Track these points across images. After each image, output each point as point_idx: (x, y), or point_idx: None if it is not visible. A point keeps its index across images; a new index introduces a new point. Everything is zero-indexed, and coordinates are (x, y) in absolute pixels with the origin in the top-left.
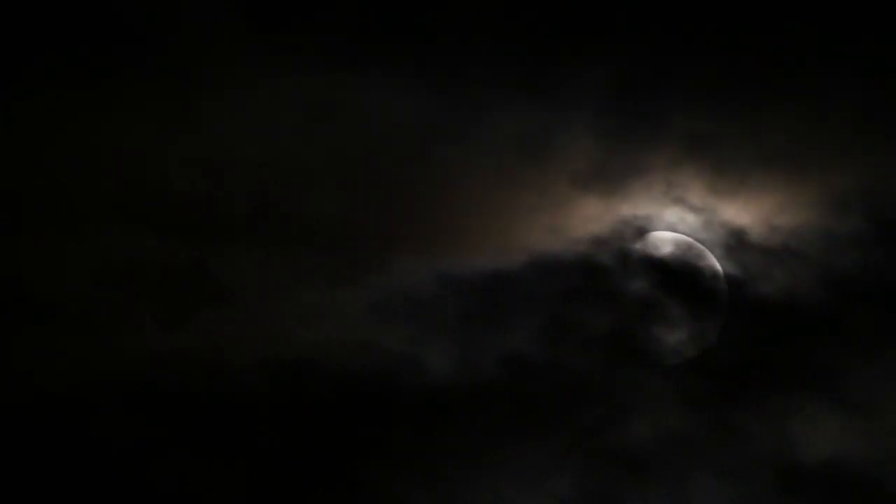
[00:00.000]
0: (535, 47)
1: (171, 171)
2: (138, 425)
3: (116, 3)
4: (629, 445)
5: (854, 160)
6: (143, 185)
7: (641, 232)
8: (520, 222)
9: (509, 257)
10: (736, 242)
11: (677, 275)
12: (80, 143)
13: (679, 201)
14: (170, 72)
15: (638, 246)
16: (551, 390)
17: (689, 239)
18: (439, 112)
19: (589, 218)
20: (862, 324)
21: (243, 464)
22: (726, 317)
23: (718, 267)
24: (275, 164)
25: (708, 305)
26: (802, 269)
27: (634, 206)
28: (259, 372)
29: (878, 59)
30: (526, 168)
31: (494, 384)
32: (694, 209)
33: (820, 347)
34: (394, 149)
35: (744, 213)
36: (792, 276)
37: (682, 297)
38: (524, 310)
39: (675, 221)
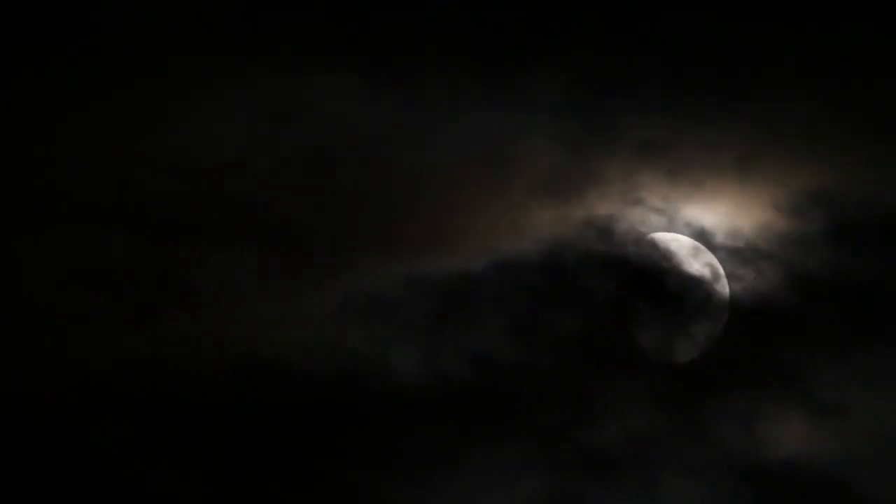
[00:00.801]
0: (495, 53)
1: (138, 173)
2: (105, 426)
3: (81, 6)
4: (598, 446)
5: (811, 163)
6: (111, 187)
7: (604, 233)
8: (483, 224)
9: (474, 259)
10: (700, 243)
11: (645, 275)
12: (48, 145)
13: (639, 203)
14: (137, 74)
15: (604, 247)
16: (520, 391)
17: (691, 240)
18: (404, 115)
19: (551, 220)
20: (828, 324)
21: (210, 465)
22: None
23: (721, 269)
24: (242, 166)
25: (677, 306)
26: (767, 269)
27: (595, 207)
28: (227, 373)
29: (831, 65)
30: (488, 171)
31: (463, 385)
32: (656, 210)
33: (786, 347)
34: (359, 151)
35: (706, 214)
36: (757, 276)
37: (650, 297)
38: (491, 311)
39: (637, 223)
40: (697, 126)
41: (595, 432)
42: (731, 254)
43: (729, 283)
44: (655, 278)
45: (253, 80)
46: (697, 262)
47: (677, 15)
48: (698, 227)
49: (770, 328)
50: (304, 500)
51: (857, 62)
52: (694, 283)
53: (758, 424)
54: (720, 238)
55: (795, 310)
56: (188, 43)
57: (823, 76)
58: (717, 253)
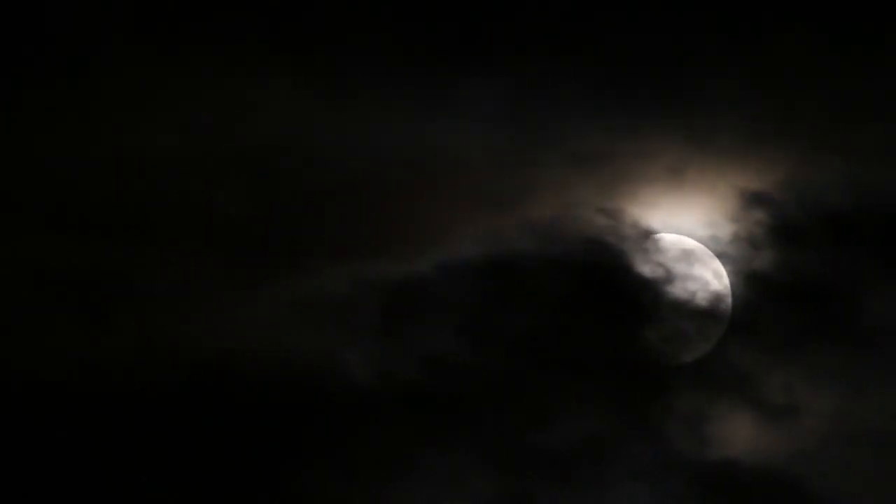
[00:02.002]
0: (438, 59)
1: (87, 175)
2: (54, 428)
3: (24, 8)
4: (548, 447)
5: (747, 166)
6: (60, 189)
7: (551, 236)
8: (429, 227)
9: (421, 261)
10: (648, 245)
11: (593, 277)
12: None
13: (582, 206)
14: (84, 76)
15: (550, 250)
16: (470, 393)
17: (694, 242)
18: (349, 120)
19: (496, 223)
20: (774, 324)
21: (161, 467)
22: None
23: (722, 270)
24: (190, 167)
25: (626, 307)
26: (714, 270)
27: (538, 211)
28: (177, 375)
29: (762, 75)
30: (431, 175)
31: (413, 387)
32: (603, 212)
33: (735, 348)
34: (306, 154)
35: (652, 216)
36: (706, 277)
37: (599, 298)
38: (439, 313)
39: (584, 225)
40: (632, 133)
41: (545, 433)
42: (678, 255)
43: (678, 283)
44: (604, 280)
45: (200, 82)
46: (647, 264)
47: (613, 23)
48: (643, 230)
49: (719, 329)
50: (255, 502)
51: (789, 72)
52: (643, 284)
53: (707, 425)
54: (666, 240)
55: (743, 310)
56: (134, 45)
57: (756, 87)
58: (661, 255)
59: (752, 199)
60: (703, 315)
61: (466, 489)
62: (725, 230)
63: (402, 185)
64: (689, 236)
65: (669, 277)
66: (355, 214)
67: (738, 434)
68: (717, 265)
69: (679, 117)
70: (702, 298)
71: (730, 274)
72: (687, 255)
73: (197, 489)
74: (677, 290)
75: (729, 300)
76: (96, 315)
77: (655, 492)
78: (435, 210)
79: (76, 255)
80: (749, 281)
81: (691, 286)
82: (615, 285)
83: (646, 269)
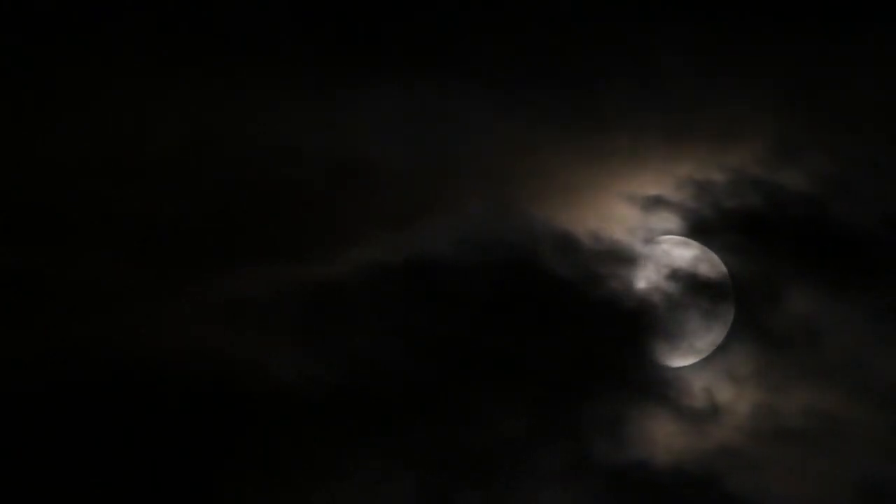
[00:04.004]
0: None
1: (3, 175)
2: None
3: None
4: (470, 449)
5: (658, 168)
6: None
7: (477, 240)
8: (351, 230)
9: (348, 264)
10: (565, 248)
11: (515, 279)
12: None
13: (503, 210)
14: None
15: (477, 254)
16: (392, 395)
17: (696, 243)
18: (267, 125)
19: (422, 227)
20: (694, 323)
21: (77, 468)
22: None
23: (723, 268)
24: (110, 166)
25: (549, 309)
26: (631, 271)
27: (459, 214)
28: (99, 377)
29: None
30: (354, 180)
31: (339, 389)
32: (522, 216)
33: (654, 348)
34: (227, 155)
35: (570, 220)
36: (622, 278)
37: (522, 301)
38: (366, 316)
39: (503, 228)
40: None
41: (466, 435)
42: (595, 257)
43: (596, 285)
44: (524, 282)
45: (122, 79)
46: (564, 266)
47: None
48: (561, 232)
49: (636, 329)
50: (177, 502)
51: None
52: (563, 286)
53: (626, 427)
54: (585, 243)
55: (661, 311)
56: (44, 49)
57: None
58: (582, 256)
59: (654, 202)
60: (624, 316)
61: (388, 490)
62: (640, 228)
63: (322, 189)
64: (605, 238)
65: (591, 279)
66: (277, 217)
67: (657, 435)
68: (640, 265)
69: (578, 127)
70: (624, 300)
71: (648, 275)
72: (608, 257)
73: (116, 488)
74: (599, 292)
75: (652, 301)
76: (13, 316)
77: (575, 492)
78: (356, 214)
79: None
80: (670, 278)
81: (614, 287)
82: (535, 288)
83: (567, 271)
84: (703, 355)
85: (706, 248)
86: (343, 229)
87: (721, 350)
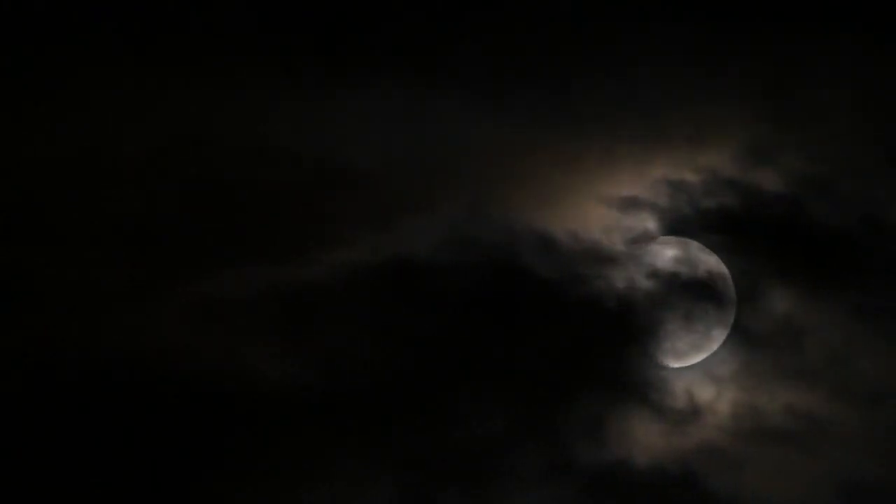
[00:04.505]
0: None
1: None
2: None
3: None
4: (450, 448)
5: (633, 169)
6: None
7: (451, 238)
8: (332, 231)
9: (328, 265)
10: (545, 248)
11: (496, 279)
12: None
13: (481, 212)
14: None
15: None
16: (372, 395)
17: (675, 243)
18: (249, 127)
19: (401, 228)
20: (673, 324)
21: (60, 467)
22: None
23: (725, 270)
24: (91, 168)
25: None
26: (611, 271)
27: (439, 216)
28: (77, 376)
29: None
30: (331, 181)
31: (320, 390)
32: (500, 217)
33: (635, 349)
34: (207, 156)
35: (549, 221)
36: (602, 278)
37: (503, 301)
38: (343, 316)
39: (482, 229)
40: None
41: (447, 435)
42: (573, 258)
43: (574, 286)
44: (505, 283)
45: (106, 84)
46: (544, 267)
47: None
48: (540, 232)
49: (614, 330)
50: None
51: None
52: (546, 286)
53: (607, 427)
54: (563, 244)
55: (639, 312)
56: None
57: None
58: (561, 256)
59: (631, 203)
60: (605, 317)
61: (368, 490)
62: (615, 229)
63: (302, 191)
64: (584, 239)
65: (571, 279)
66: (257, 219)
67: (638, 435)
68: (620, 266)
69: (556, 130)
70: (604, 300)
71: (628, 275)
72: (588, 257)
73: (94, 487)
74: (579, 292)
75: (632, 301)
76: None
77: (555, 492)
78: (336, 215)
79: None
80: (646, 281)
81: (594, 288)
82: (515, 288)
83: (546, 272)
84: (685, 355)
85: (686, 248)
86: (323, 230)
87: (702, 350)
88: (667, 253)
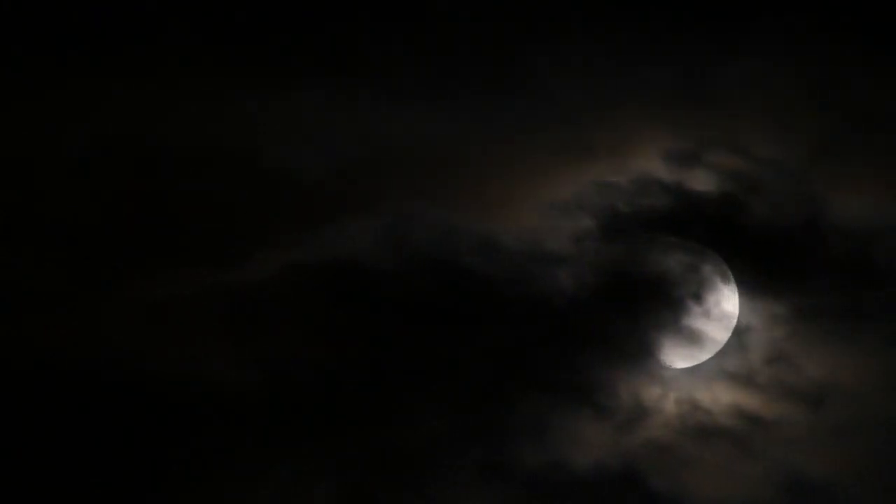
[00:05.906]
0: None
1: None
2: None
3: None
4: (392, 449)
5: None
6: None
7: (395, 238)
8: (276, 232)
9: (269, 265)
10: (486, 248)
11: (439, 280)
12: None
13: (421, 212)
14: None
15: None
16: (314, 395)
17: (699, 245)
18: (191, 127)
19: (346, 228)
20: (615, 325)
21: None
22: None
23: (644, 267)
24: (26, 169)
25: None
26: (553, 271)
27: (383, 215)
28: (15, 380)
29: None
30: (273, 183)
31: (260, 391)
32: (440, 218)
33: (579, 349)
34: (150, 156)
35: (489, 221)
36: (544, 279)
37: (446, 301)
38: (286, 317)
39: (421, 229)
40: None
41: (388, 436)
42: (516, 257)
43: (516, 285)
44: (448, 283)
45: (40, 80)
46: (488, 266)
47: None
48: (481, 233)
49: (558, 330)
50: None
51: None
52: (487, 287)
53: (552, 428)
54: (507, 242)
55: (582, 312)
56: None
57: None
58: (503, 257)
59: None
60: (548, 317)
61: (308, 491)
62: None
63: (240, 191)
64: (525, 239)
65: (512, 280)
66: (196, 220)
67: (582, 435)
68: (562, 266)
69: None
70: (547, 300)
71: (570, 277)
72: (529, 258)
73: (37, 491)
74: (521, 293)
75: (576, 301)
76: None
77: (496, 492)
78: (274, 215)
79: None
80: (589, 282)
81: (535, 288)
82: (456, 289)
83: (488, 272)
84: (630, 355)
85: (629, 248)
86: (262, 231)
87: (647, 350)
88: (609, 252)
